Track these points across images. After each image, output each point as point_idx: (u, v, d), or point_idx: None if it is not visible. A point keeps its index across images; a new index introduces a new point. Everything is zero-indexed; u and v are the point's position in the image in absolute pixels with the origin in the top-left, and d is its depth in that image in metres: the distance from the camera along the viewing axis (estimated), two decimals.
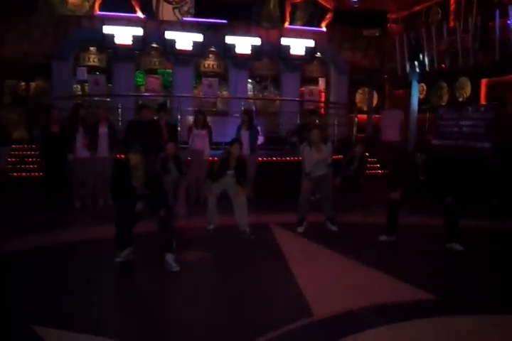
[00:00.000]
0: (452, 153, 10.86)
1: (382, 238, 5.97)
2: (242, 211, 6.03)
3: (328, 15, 14.52)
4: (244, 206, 6.03)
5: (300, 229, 6.44)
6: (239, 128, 8.51)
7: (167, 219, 4.82)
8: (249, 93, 14.80)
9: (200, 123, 8.14)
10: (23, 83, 13.85)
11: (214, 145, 8.45)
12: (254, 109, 13.03)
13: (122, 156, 7.81)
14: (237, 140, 6.46)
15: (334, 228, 6.53)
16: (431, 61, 12.60)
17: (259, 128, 11.36)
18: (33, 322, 3.36)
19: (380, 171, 12.46)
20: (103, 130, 7.91)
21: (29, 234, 6.01)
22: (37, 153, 9.81)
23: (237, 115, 10.83)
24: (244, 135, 8.28)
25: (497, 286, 4.43)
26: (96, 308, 3.86)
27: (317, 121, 9.45)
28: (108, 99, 12.68)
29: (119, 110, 9.77)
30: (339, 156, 8.37)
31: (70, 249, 5.48)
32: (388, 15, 15.96)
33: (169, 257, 4.75)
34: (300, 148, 6.59)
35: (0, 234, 5.93)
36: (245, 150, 7.92)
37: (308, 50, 14.12)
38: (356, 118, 12.35)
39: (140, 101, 12.60)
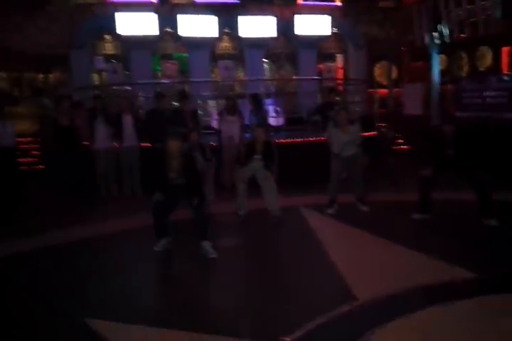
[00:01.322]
0: (477, 124, 10.67)
1: (416, 216, 5.92)
2: (272, 195, 6.05)
3: None
4: (274, 190, 6.05)
5: (331, 211, 6.44)
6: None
7: (201, 206, 4.85)
8: (266, 73, 14.65)
9: (231, 108, 8.12)
10: (41, 75, 13.93)
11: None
12: (272, 89, 12.93)
13: (147, 145, 7.89)
14: (261, 124, 6.43)
15: (365, 208, 6.51)
16: (450, 31, 12.28)
17: (278, 109, 11.36)
18: (85, 315, 3.46)
19: (404, 147, 12.31)
20: (127, 119, 7.93)
21: (65, 226, 6.13)
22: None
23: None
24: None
25: None
26: (142, 298, 3.96)
27: (337, 98, 9.31)
28: (128, 88, 12.69)
29: (141, 99, 9.75)
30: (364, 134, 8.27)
31: (107, 241, 5.59)
32: None
33: (206, 244, 4.82)
34: (327, 129, 6.53)
35: (36, 227, 6.06)
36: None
37: (323, 25, 13.85)
38: (377, 94, 12.16)
39: (158, 89, 12.58)
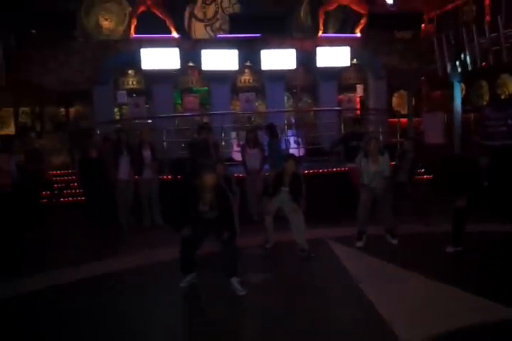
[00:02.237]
0: (502, 154, 10.47)
1: (449, 249, 5.72)
2: (300, 228, 5.89)
3: (363, 21, 14.32)
4: (302, 223, 5.89)
5: (359, 244, 6.25)
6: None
7: (232, 241, 4.71)
8: (286, 105, 14.73)
9: (252, 141, 8.22)
10: (62, 109, 14.21)
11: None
12: (293, 121, 12.95)
13: (179, 178, 7.99)
14: (291, 155, 6.36)
15: (395, 241, 6.32)
16: (473, 60, 12.24)
17: (299, 140, 11.33)
18: None
19: (425, 176, 12.09)
20: (147, 152, 8.06)
21: (92, 260, 6.07)
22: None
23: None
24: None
25: None
26: (168, 337, 3.80)
27: (363, 130, 9.25)
28: (149, 121, 12.84)
29: (164, 131, 9.85)
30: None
31: (132, 275, 5.49)
32: (424, 16, 15.66)
33: (234, 281, 4.67)
34: (356, 160, 6.43)
35: (59, 262, 6.00)
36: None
37: (343, 56, 13.97)
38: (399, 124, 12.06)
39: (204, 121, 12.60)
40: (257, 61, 13.64)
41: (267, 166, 8.27)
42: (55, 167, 12.01)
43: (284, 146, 9.95)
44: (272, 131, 8.67)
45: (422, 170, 12.04)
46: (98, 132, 10.65)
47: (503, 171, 5.66)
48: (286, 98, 14.81)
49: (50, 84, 13.01)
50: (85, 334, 3.87)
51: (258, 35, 13.69)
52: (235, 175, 8.01)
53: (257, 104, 14.29)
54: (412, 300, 4.27)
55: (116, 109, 14.07)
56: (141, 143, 8.18)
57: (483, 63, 12.21)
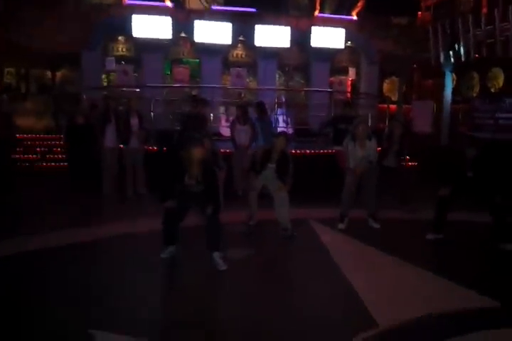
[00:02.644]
0: (489, 146, 10.56)
1: (430, 236, 5.78)
2: (284, 207, 5.87)
3: (360, 3, 14.16)
4: (286, 202, 5.87)
5: (341, 226, 6.29)
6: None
7: (215, 216, 4.68)
8: (277, 83, 14.59)
9: (243, 117, 8.14)
10: (49, 72, 13.85)
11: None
12: (283, 99, 12.85)
13: (165, 150, 7.84)
14: (283, 133, 6.30)
15: (377, 225, 6.37)
16: (467, 51, 12.22)
17: (287, 119, 11.27)
18: (88, 326, 3.28)
19: (410, 163, 12.18)
20: (134, 120, 7.95)
21: (68, 227, 5.97)
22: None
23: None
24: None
25: None
26: (148, 309, 3.77)
27: (353, 113, 9.21)
28: (137, 90, 12.61)
29: (152, 101, 9.68)
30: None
31: (112, 244, 5.43)
32: (421, 3, 15.50)
33: (216, 255, 4.65)
34: (344, 143, 6.40)
35: (34, 229, 5.86)
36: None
37: (338, 38, 13.81)
38: (389, 110, 12.06)
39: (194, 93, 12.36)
40: (250, 36, 13.43)
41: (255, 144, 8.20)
42: (38, 131, 11.77)
43: (273, 125, 9.89)
44: (261, 108, 8.59)
45: (408, 157, 12.16)
46: (84, 97, 10.42)
47: (489, 163, 5.67)
48: (277, 76, 14.67)
49: (38, 46, 12.62)
50: (52, 305, 3.74)
51: (253, 9, 13.43)
52: (222, 150, 7.97)
53: (248, 80, 14.12)
54: (390, 284, 4.31)
55: (104, 76, 13.76)
56: (128, 111, 8.07)
57: (477, 55, 12.20)
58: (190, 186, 4.63)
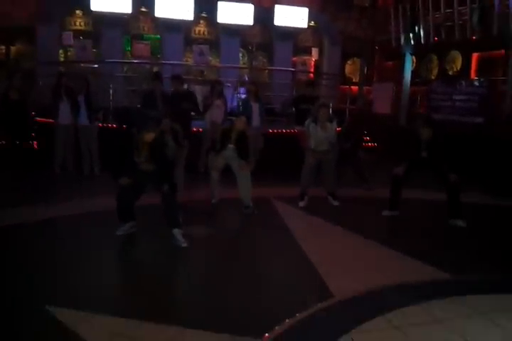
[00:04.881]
0: (445, 127, 10.88)
1: (386, 213, 5.99)
2: (246, 185, 5.93)
3: None
4: (248, 180, 5.93)
5: (302, 204, 6.41)
6: (246, 101, 8.39)
7: (171, 194, 4.68)
8: (240, 62, 14.48)
9: (217, 93, 8.07)
10: (3, 47, 13.26)
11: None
12: (246, 78, 12.77)
13: (124, 128, 7.82)
14: (245, 113, 6.32)
15: (336, 203, 6.53)
16: (426, 34, 12.44)
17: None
18: (46, 302, 3.25)
19: (370, 144, 12.43)
20: (81, 98, 7.86)
21: (22, 205, 5.79)
22: None
23: (229, 84, 10.61)
24: (254, 107, 8.18)
25: (496, 263, 4.46)
26: (106, 286, 3.76)
27: (315, 94, 9.28)
28: (95, 66, 12.26)
29: (111, 78, 9.47)
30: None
31: (67, 223, 5.35)
32: None
33: (177, 232, 4.65)
34: (305, 124, 6.47)
35: None
36: (255, 122, 8.00)
37: (301, 17, 13.77)
38: (350, 91, 12.20)
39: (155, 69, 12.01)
40: (213, 13, 13.20)
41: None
42: None
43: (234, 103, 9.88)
44: (256, 87, 8.58)
45: (367, 138, 12.40)
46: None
47: (443, 144, 5.87)
48: (241, 55, 14.54)
49: None
50: (8, 283, 3.67)
51: None
52: (194, 129, 7.95)
53: (210, 58, 13.94)
54: (346, 258, 4.46)
55: (61, 51, 13.28)
56: (82, 87, 7.88)
57: (436, 38, 12.44)
58: (140, 164, 4.68)
